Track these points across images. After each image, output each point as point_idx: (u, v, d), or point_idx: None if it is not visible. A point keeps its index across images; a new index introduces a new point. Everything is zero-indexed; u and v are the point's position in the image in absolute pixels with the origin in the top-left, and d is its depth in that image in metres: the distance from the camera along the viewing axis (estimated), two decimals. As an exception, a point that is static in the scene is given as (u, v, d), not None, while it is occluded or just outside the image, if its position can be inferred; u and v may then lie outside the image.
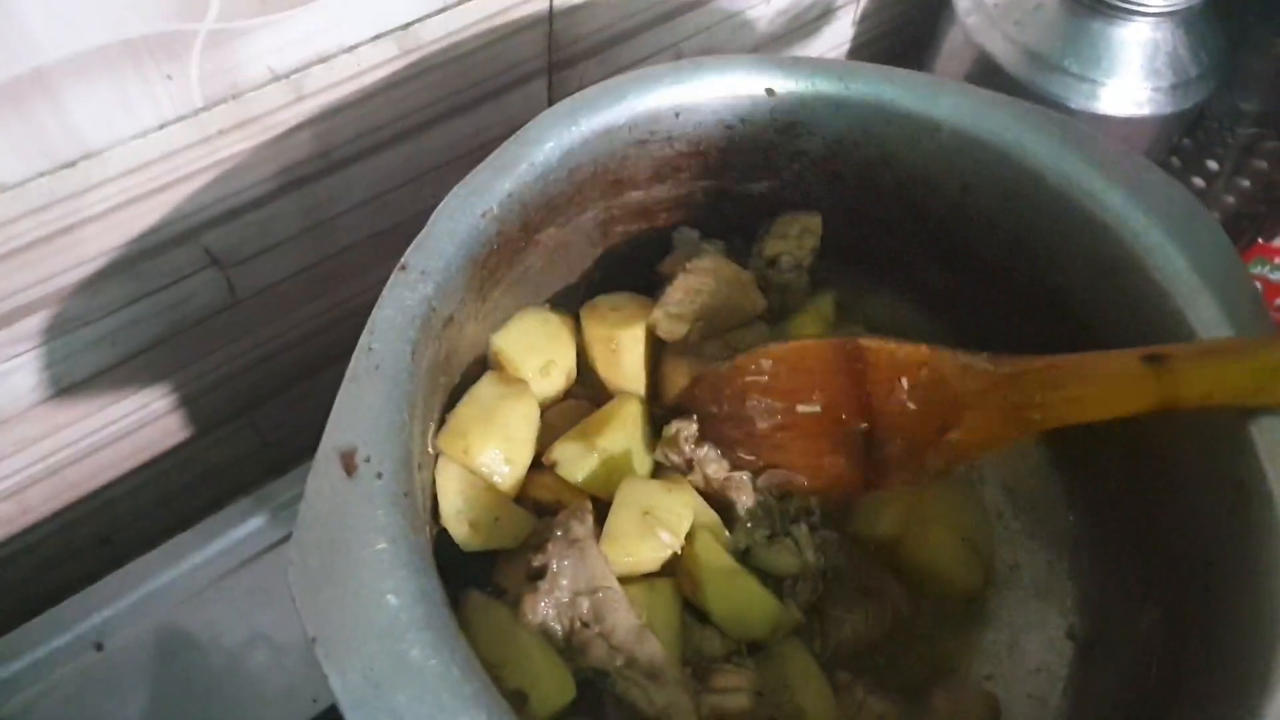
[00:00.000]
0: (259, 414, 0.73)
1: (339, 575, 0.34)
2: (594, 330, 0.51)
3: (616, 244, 0.54)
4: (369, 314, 0.41)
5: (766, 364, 0.46)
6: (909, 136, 0.49)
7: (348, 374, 0.38)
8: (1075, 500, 0.54)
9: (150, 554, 0.66)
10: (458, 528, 0.44)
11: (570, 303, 0.53)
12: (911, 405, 0.45)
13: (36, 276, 0.52)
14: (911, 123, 0.49)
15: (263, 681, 0.64)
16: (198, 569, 0.66)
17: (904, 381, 0.45)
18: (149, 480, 0.70)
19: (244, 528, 0.69)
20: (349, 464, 0.36)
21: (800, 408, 0.47)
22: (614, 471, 0.46)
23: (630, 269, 0.55)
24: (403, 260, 0.41)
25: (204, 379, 0.66)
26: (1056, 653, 0.51)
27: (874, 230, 0.55)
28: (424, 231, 0.42)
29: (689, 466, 0.48)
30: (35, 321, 0.54)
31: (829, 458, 0.47)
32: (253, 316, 0.65)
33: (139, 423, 0.64)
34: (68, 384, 0.60)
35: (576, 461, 0.46)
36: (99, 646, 0.63)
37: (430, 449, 0.43)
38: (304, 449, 0.34)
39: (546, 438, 0.47)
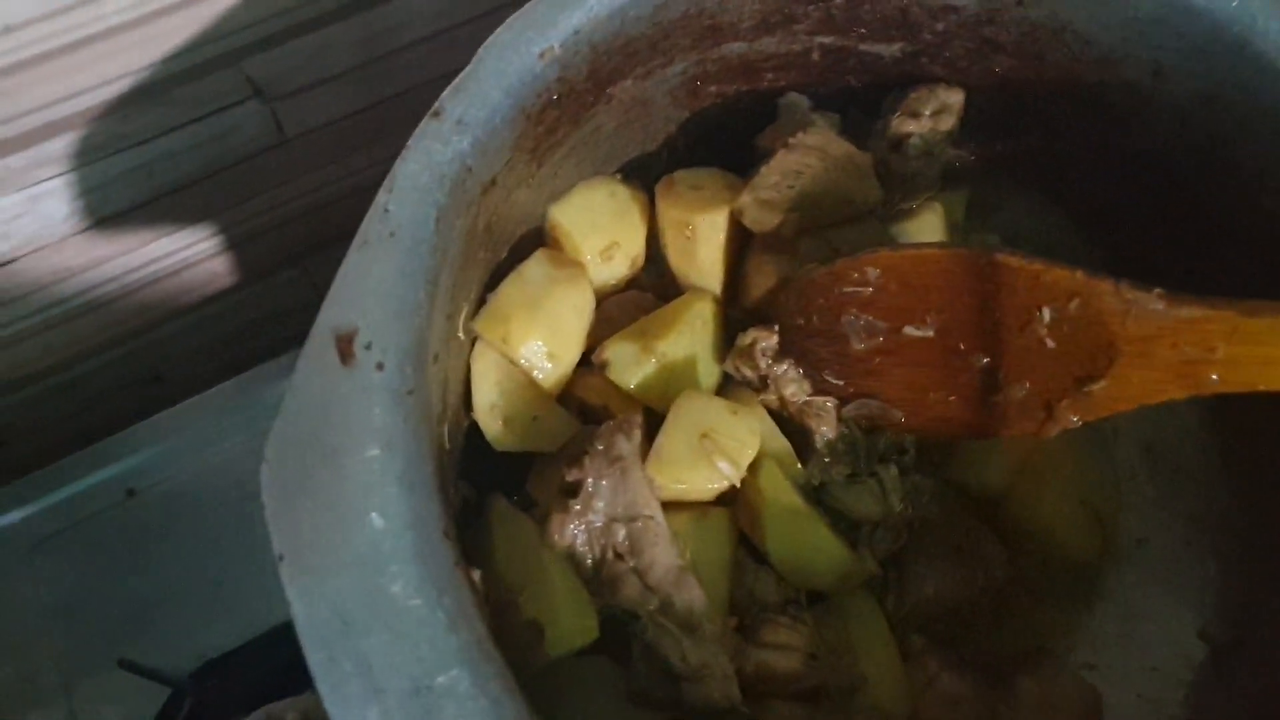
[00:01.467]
0: (313, 264, 0.71)
1: (318, 484, 0.29)
2: (669, 212, 0.43)
3: (707, 107, 0.46)
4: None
5: (873, 273, 0.39)
6: (1093, -3, 0.38)
7: (357, 238, 0.32)
8: (1232, 472, 0.45)
9: (193, 399, 0.63)
10: (491, 423, 0.39)
11: (645, 175, 0.45)
12: (1050, 343, 0.37)
13: (58, 92, 0.49)
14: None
15: None
16: (239, 423, 0.62)
17: (1045, 312, 0.36)
18: (199, 322, 0.69)
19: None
20: (345, 349, 0.30)
21: (908, 330, 0.39)
22: (673, 381, 0.40)
23: (722, 140, 0.46)
24: (437, 104, 0.34)
25: (252, 222, 0.62)
26: (1182, 653, 0.43)
27: (1029, 119, 0.45)
28: (466, 71, 0.35)
29: (763, 384, 0.41)
30: (61, 144, 0.52)
31: (935, 393, 0.40)
32: (302, 159, 0.62)
33: (184, 262, 0.62)
34: (106, 214, 0.58)
35: (630, 364, 0.40)
36: (130, 493, 0.60)
37: (462, 333, 0.38)
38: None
39: (600, 332, 0.42)
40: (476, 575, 0.32)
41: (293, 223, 0.65)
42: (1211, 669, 0.42)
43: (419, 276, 0.32)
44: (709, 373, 0.42)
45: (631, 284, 0.45)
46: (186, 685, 0.58)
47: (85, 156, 0.53)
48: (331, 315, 0.31)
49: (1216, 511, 0.45)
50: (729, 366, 0.42)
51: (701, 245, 0.43)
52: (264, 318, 0.70)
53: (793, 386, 0.41)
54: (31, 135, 0.50)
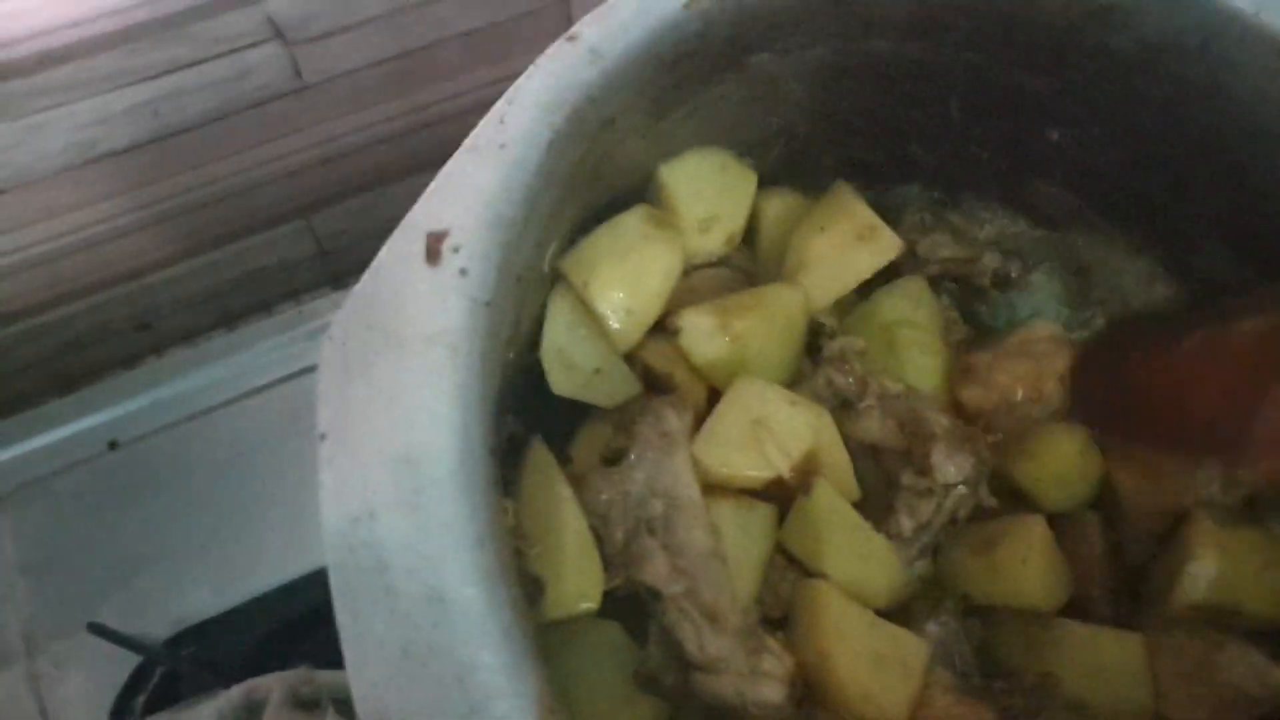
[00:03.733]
0: (319, 218, 0.69)
1: (377, 372, 0.29)
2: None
3: (837, 104, 0.45)
4: (450, 125, 0.32)
5: None
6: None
7: (467, 142, 0.32)
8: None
9: (182, 350, 0.60)
10: (553, 365, 0.39)
11: (758, 157, 0.45)
12: None
13: (67, 16, 0.48)
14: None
15: (275, 521, 0.58)
16: (231, 378, 0.61)
17: None
18: (192, 271, 0.67)
19: (287, 337, 0.62)
20: (434, 247, 0.31)
21: None
22: (743, 365, 0.40)
23: (847, 140, 0.46)
24: (573, 29, 0.35)
25: (258, 171, 0.61)
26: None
27: (1159, 184, 0.44)
28: (607, 3, 0.35)
29: (862, 389, 0.41)
30: (65, 73, 0.50)
31: None
32: (319, 107, 0.62)
33: (182, 207, 0.61)
34: (103, 151, 0.56)
35: (704, 338, 0.40)
36: (113, 445, 0.58)
37: (547, 267, 0.38)
38: (364, 263, 0.31)
39: (681, 302, 0.41)
40: (510, 506, 0.32)
41: (301, 174, 0.64)
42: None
43: (521, 194, 0.32)
44: (782, 368, 0.42)
45: (723, 262, 0.45)
46: (159, 653, 0.56)
47: (89, 88, 0.52)
48: (424, 211, 0.31)
49: None
50: (820, 379, 0.41)
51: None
52: (262, 270, 0.69)
53: (872, 421, 0.40)
54: (34, 60, 0.48)
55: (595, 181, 0.38)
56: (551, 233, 0.37)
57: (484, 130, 0.32)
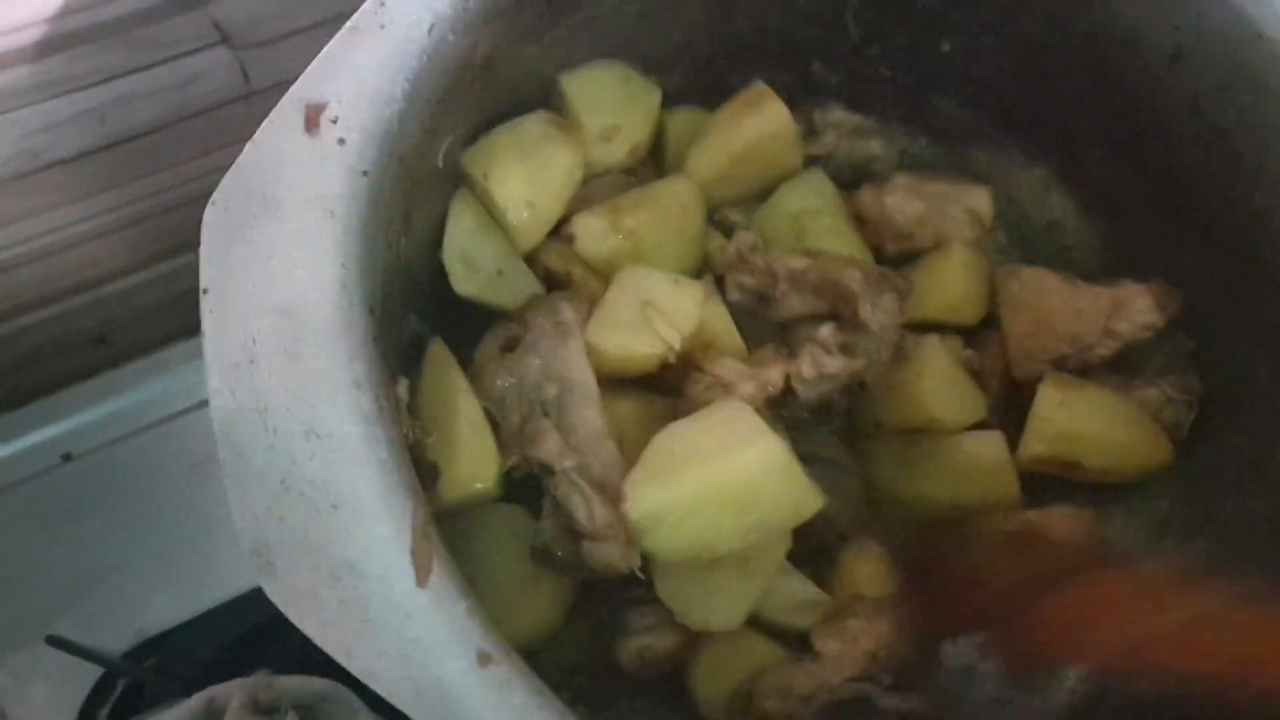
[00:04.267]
0: None
1: (258, 233, 0.31)
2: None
3: (737, 20, 0.47)
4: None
5: None
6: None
7: (349, 23, 0.34)
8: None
9: (138, 361, 0.60)
10: (455, 265, 0.41)
11: (666, 73, 0.47)
12: None
13: (6, 22, 0.48)
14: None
15: (232, 530, 0.58)
16: (188, 388, 0.61)
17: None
18: (149, 282, 0.67)
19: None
20: (312, 119, 0.33)
21: None
22: (641, 260, 0.42)
23: (750, 59, 0.48)
24: None
25: (212, 178, 0.60)
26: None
27: (1048, 92, 0.47)
28: None
29: (772, 281, 0.42)
30: (6, 79, 0.51)
31: None
32: (269, 111, 0.58)
33: (135, 216, 0.61)
34: (50, 160, 0.56)
35: (597, 237, 0.42)
36: (67, 457, 0.58)
37: (441, 161, 0.40)
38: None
39: (579, 209, 0.43)
40: (404, 385, 0.34)
41: None
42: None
43: (401, 73, 0.34)
44: (681, 259, 0.43)
45: (626, 174, 0.47)
46: (120, 665, 0.55)
47: (32, 94, 0.52)
48: (304, 87, 0.34)
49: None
50: (730, 288, 0.42)
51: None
52: (218, 281, 0.68)
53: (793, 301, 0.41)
54: None
55: (489, 79, 0.40)
56: (442, 121, 0.38)
57: (365, 12, 0.34)
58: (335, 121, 0.33)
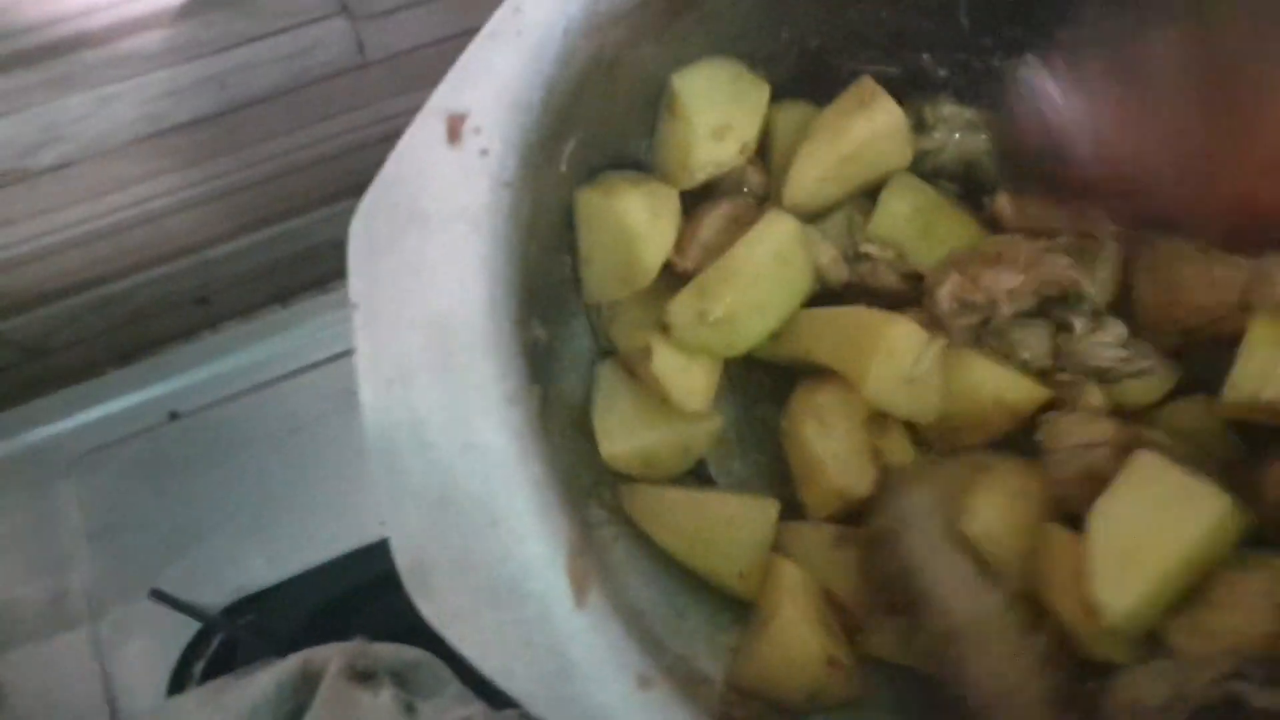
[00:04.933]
0: None
1: (405, 246, 0.32)
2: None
3: (848, 13, 0.46)
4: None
5: None
6: None
7: (484, 30, 0.34)
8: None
9: (243, 324, 0.61)
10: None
11: (773, 68, 0.47)
12: None
13: None
14: None
15: (329, 494, 0.59)
16: (286, 353, 0.62)
17: None
18: (251, 247, 0.69)
19: (341, 315, 0.63)
20: (454, 129, 0.33)
21: None
22: (741, 331, 0.42)
23: (859, 52, 0.47)
24: None
25: (320, 147, 0.62)
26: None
27: None
28: None
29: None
30: (138, 43, 0.52)
31: None
32: (381, 84, 0.62)
33: (244, 183, 0.62)
34: (170, 124, 0.57)
35: (690, 325, 0.42)
36: (174, 415, 0.59)
37: (564, 166, 0.40)
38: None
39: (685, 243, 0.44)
40: (536, 392, 0.34)
41: (362, 150, 0.66)
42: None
43: (538, 79, 0.34)
44: (788, 300, 0.43)
45: (737, 175, 0.46)
46: (217, 621, 0.57)
47: (160, 59, 0.53)
48: (446, 96, 0.33)
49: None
50: (954, 330, 0.42)
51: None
52: (318, 247, 0.70)
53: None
54: (110, 31, 0.50)
55: (610, 83, 0.39)
56: (568, 127, 0.38)
57: (500, 19, 0.34)
58: (478, 132, 0.32)
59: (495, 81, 0.33)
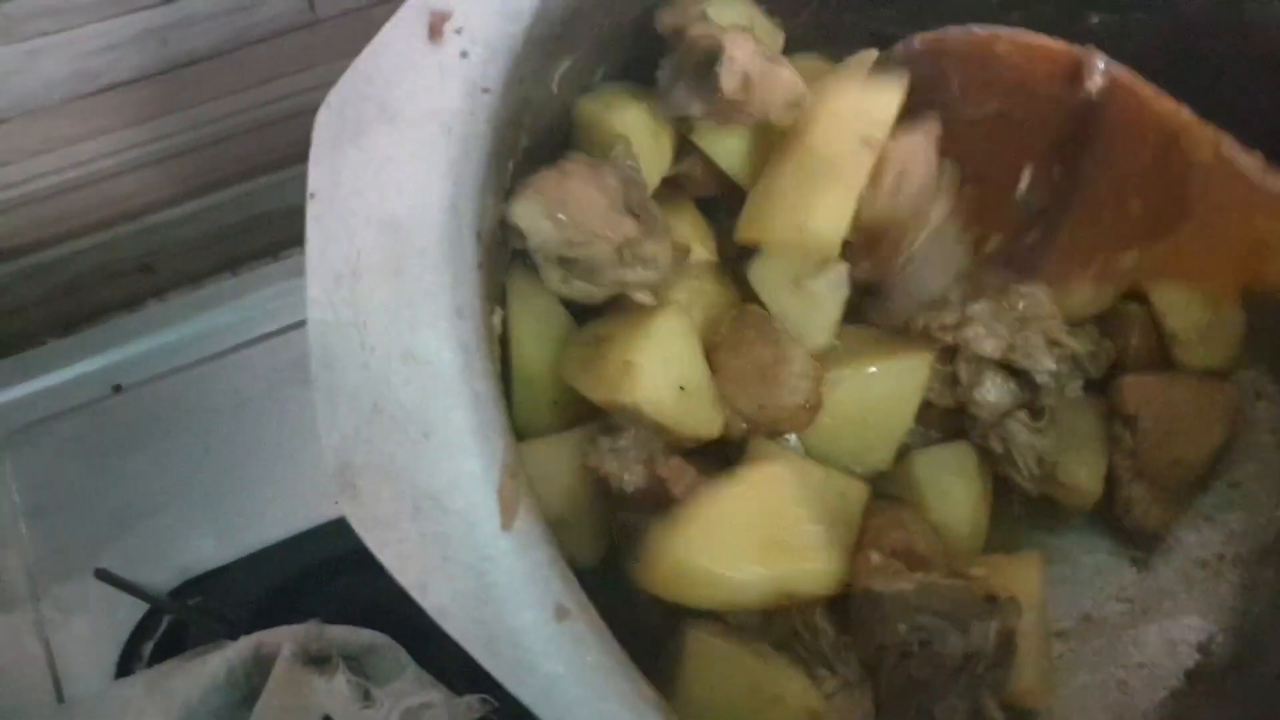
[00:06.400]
0: None
1: (371, 142, 0.30)
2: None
3: None
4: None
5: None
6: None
7: None
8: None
9: (190, 293, 0.59)
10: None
11: (789, 17, 0.45)
12: (1125, 183, 0.36)
13: None
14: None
15: (280, 472, 0.57)
16: (235, 324, 0.60)
17: (1136, 152, 0.35)
18: (197, 212, 0.66)
19: (293, 284, 0.60)
20: (436, 26, 0.31)
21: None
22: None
23: (877, 12, 0.46)
24: None
25: (269, 108, 0.60)
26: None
27: (1199, 84, 0.42)
28: None
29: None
30: None
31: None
32: (333, 42, 0.59)
33: (190, 145, 0.60)
34: (107, 82, 0.55)
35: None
36: (117, 388, 0.56)
37: (556, 87, 0.38)
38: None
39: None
40: (499, 316, 0.34)
41: (311, 113, 0.60)
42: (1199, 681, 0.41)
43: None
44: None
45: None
46: (165, 602, 0.55)
47: (95, 12, 0.51)
48: None
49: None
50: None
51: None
52: (269, 213, 0.67)
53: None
54: None
55: (612, 7, 0.38)
56: (562, 44, 0.36)
57: None
58: (460, 32, 0.31)
59: (485, -19, 0.32)
